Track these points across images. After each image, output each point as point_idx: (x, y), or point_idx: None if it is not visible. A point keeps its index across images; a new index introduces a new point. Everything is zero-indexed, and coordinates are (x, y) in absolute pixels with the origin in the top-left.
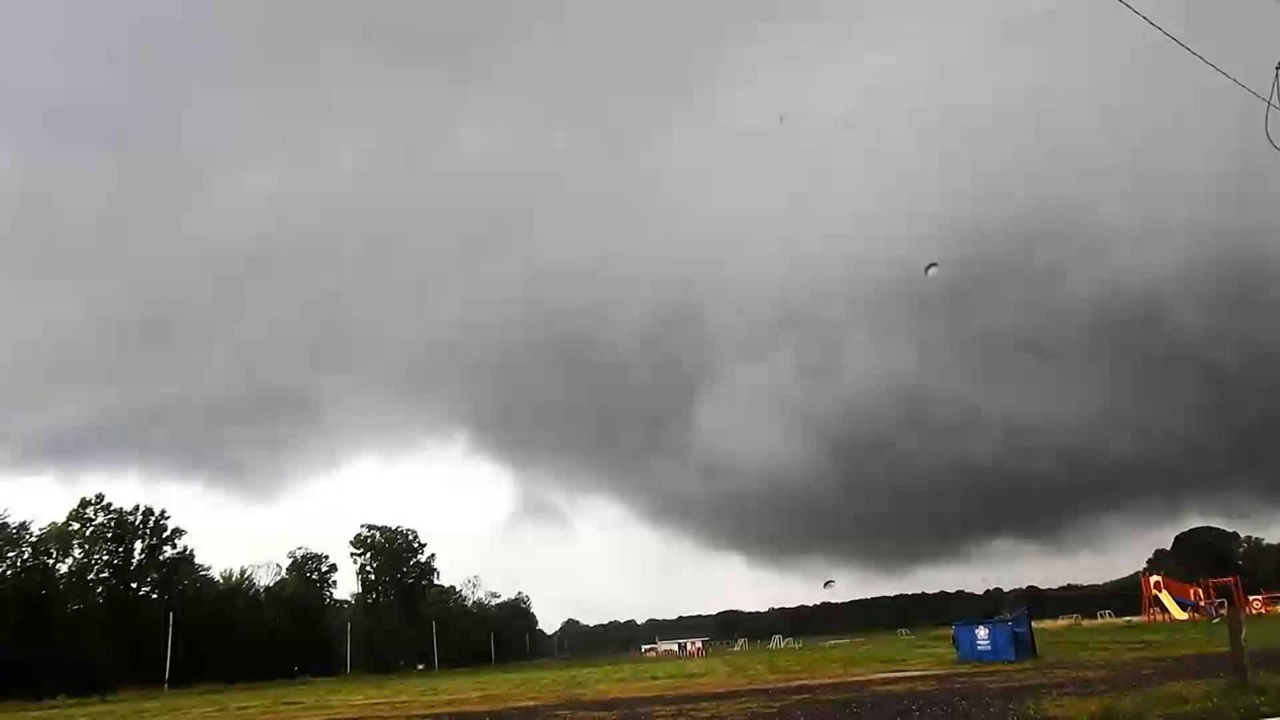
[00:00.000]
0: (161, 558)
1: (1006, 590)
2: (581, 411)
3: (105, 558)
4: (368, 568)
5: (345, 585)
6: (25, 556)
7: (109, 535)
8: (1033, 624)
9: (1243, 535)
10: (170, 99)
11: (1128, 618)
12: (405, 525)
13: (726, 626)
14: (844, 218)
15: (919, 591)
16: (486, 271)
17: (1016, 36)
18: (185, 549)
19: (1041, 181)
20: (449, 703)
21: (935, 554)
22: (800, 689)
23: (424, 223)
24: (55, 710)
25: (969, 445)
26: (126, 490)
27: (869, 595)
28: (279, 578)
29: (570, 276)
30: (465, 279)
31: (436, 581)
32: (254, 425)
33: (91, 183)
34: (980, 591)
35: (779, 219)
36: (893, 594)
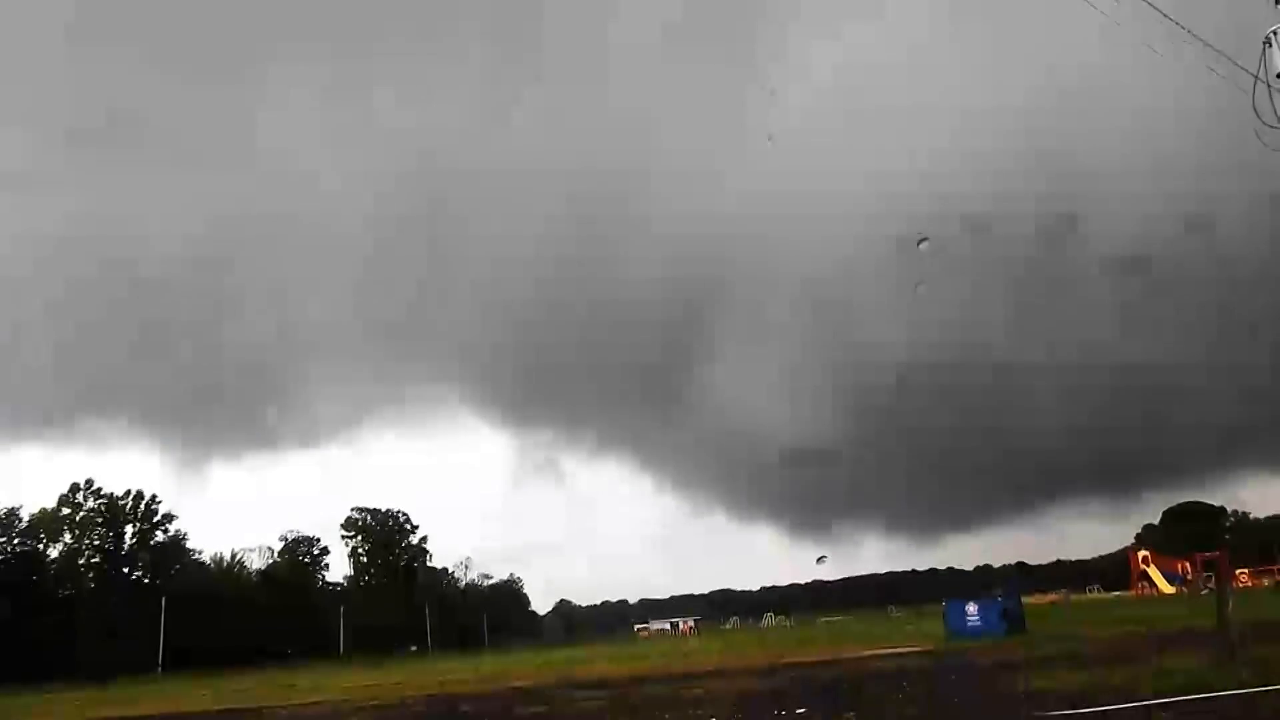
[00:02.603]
0: (153, 542)
1: (996, 566)
2: (583, 377)
3: (96, 543)
4: (359, 550)
5: (337, 568)
6: (15, 542)
7: (99, 520)
8: (1022, 599)
9: (1229, 509)
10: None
11: (1116, 592)
12: (396, 508)
13: (719, 605)
14: (881, 156)
15: (909, 569)
16: (489, 232)
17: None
18: (177, 533)
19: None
20: (442, 684)
21: (927, 531)
22: (792, 666)
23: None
24: (49, 696)
25: (965, 419)
26: (109, 464)
27: (860, 573)
28: (271, 561)
29: (577, 227)
30: (468, 243)
31: (429, 564)
32: (241, 402)
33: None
34: (970, 568)
35: (811, 161)
36: (883, 570)
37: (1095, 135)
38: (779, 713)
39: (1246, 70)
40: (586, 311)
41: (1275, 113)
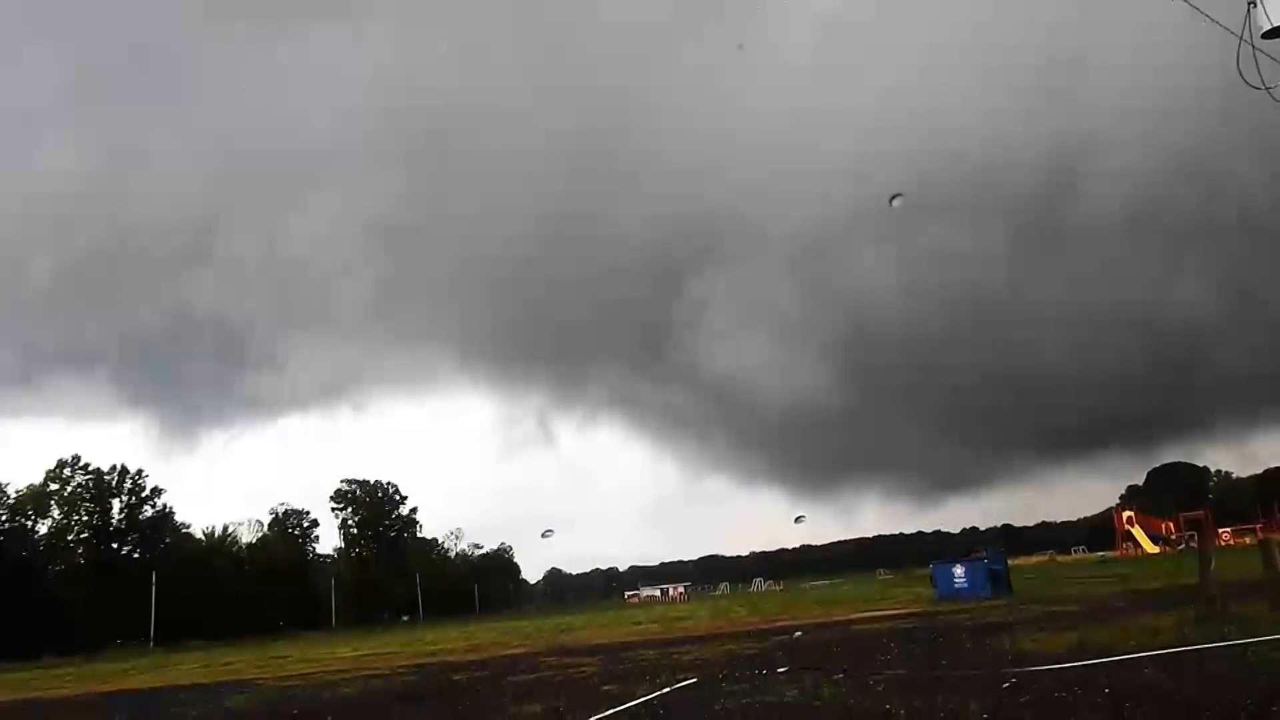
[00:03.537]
0: (141, 517)
1: (983, 528)
2: (577, 341)
3: (84, 518)
4: (349, 522)
5: (328, 539)
6: (2, 519)
7: (87, 496)
8: (1008, 561)
9: (1213, 470)
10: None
11: (1101, 553)
12: (386, 478)
13: (708, 571)
14: (876, 108)
15: (897, 532)
16: (481, 184)
17: None
18: (165, 507)
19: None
20: (435, 653)
21: (915, 494)
22: (781, 630)
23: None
24: (41, 670)
25: (956, 383)
26: (95, 435)
27: (849, 536)
28: (261, 534)
29: (569, 181)
30: (460, 198)
31: (419, 534)
32: (229, 368)
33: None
34: (957, 530)
35: (807, 113)
36: (871, 535)
37: (1093, 93)
38: (761, 672)
39: (1232, 32)
40: (580, 273)
41: (1259, 74)
